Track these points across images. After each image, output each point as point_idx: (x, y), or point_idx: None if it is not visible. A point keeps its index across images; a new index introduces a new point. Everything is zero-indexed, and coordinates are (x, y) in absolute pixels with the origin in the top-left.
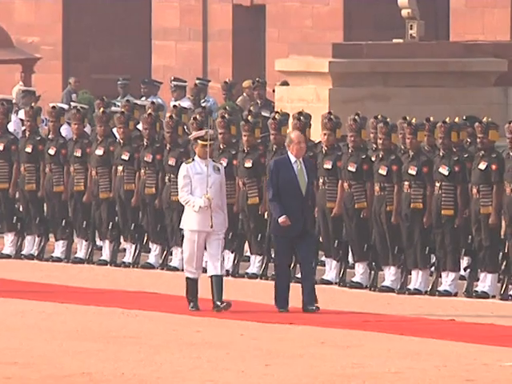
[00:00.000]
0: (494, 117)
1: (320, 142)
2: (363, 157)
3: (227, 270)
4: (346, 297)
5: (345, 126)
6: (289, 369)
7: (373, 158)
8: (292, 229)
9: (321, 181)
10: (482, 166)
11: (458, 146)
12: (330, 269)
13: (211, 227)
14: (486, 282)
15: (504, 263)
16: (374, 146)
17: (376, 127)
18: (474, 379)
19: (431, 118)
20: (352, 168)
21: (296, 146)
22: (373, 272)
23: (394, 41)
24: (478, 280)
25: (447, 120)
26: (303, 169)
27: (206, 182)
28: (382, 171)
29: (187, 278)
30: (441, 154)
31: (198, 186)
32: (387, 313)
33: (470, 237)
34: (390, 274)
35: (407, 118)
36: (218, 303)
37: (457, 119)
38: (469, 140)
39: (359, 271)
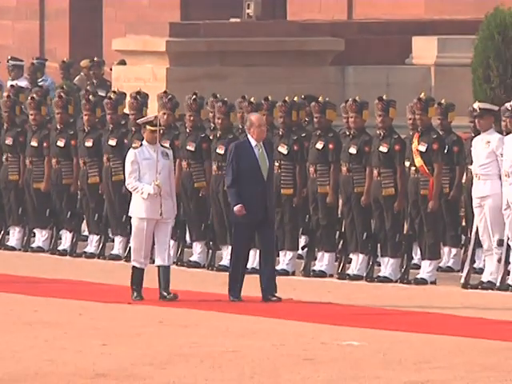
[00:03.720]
0: (331, 96)
1: None
2: (202, 136)
3: None
4: (184, 276)
5: (182, 106)
6: (127, 348)
7: (211, 137)
8: (253, 215)
9: None
10: (319, 145)
11: (296, 125)
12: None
13: (161, 215)
14: (323, 261)
15: (341, 242)
16: (212, 125)
17: (214, 106)
18: (312, 358)
19: (269, 97)
20: (191, 147)
21: (257, 129)
22: (211, 251)
23: (231, 20)
24: (315, 259)
25: (287, 99)
26: (264, 153)
27: (156, 167)
28: (220, 150)
29: (133, 267)
30: (280, 132)
31: (146, 171)
32: (224, 292)
33: (307, 216)
34: (227, 254)
35: (246, 96)
36: (165, 293)
37: (296, 98)
38: (307, 119)
39: (197, 250)
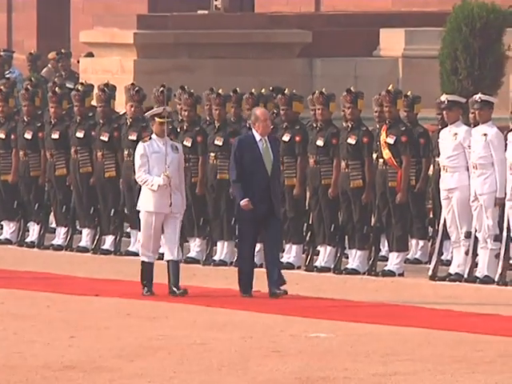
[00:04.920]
0: (298, 88)
1: (125, 113)
2: (169, 128)
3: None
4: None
5: (150, 98)
6: (95, 340)
7: (178, 130)
8: (257, 211)
9: (126, 152)
10: (286, 137)
11: None
12: (136, 240)
13: (170, 205)
14: (291, 253)
15: (308, 234)
16: (180, 117)
17: (181, 98)
18: (280, 350)
19: (238, 90)
20: None
21: (262, 123)
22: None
23: (199, 12)
24: (283, 251)
25: (254, 91)
26: (269, 147)
27: (164, 160)
28: (187, 143)
29: (143, 262)
30: (247, 125)
31: (155, 165)
32: (193, 284)
33: None
34: (195, 246)
35: (214, 89)
36: (175, 289)
37: (263, 90)
38: (275, 111)
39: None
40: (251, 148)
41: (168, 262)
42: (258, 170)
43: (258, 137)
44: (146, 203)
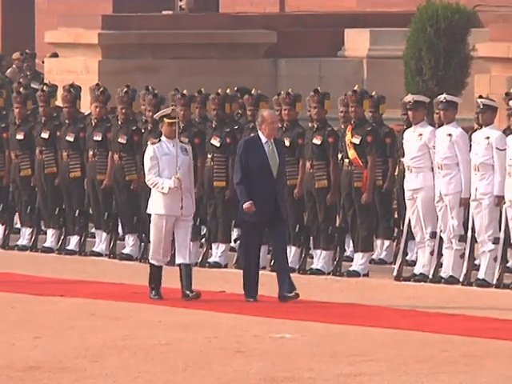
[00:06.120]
0: (263, 88)
1: (90, 113)
2: (133, 128)
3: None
4: (117, 269)
5: (114, 98)
6: (59, 341)
7: (143, 130)
8: (262, 213)
9: (91, 153)
10: None
11: (229, 118)
12: (101, 241)
13: (181, 208)
14: None
15: None
16: (144, 117)
17: (146, 99)
18: (244, 350)
19: (202, 90)
20: (122, 140)
21: (269, 125)
22: (143, 244)
23: (164, 12)
24: None
25: (220, 91)
26: (275, 150)
27: (175, 162)
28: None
29: (152, 265)
30: (213, 125)
31: (166, 167)
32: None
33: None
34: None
35: (179, 89)
36: (188, 292)
37: (228, 91)
38: (240, 112)
39: (129, 243)
40: (257, 150)
41: (180, 265)
42: (264, 173)
43: (264, 139)
44: (156, 206)
